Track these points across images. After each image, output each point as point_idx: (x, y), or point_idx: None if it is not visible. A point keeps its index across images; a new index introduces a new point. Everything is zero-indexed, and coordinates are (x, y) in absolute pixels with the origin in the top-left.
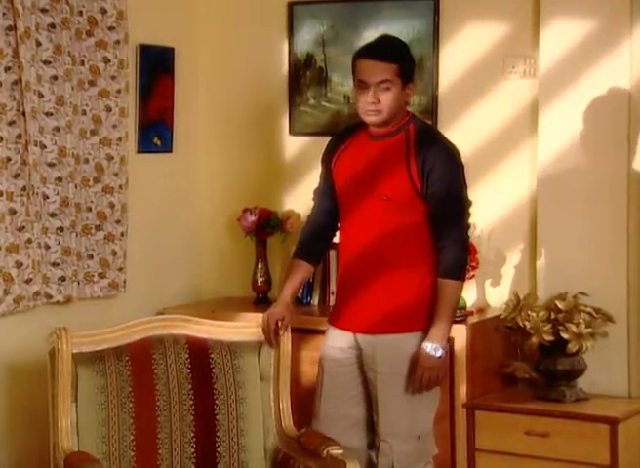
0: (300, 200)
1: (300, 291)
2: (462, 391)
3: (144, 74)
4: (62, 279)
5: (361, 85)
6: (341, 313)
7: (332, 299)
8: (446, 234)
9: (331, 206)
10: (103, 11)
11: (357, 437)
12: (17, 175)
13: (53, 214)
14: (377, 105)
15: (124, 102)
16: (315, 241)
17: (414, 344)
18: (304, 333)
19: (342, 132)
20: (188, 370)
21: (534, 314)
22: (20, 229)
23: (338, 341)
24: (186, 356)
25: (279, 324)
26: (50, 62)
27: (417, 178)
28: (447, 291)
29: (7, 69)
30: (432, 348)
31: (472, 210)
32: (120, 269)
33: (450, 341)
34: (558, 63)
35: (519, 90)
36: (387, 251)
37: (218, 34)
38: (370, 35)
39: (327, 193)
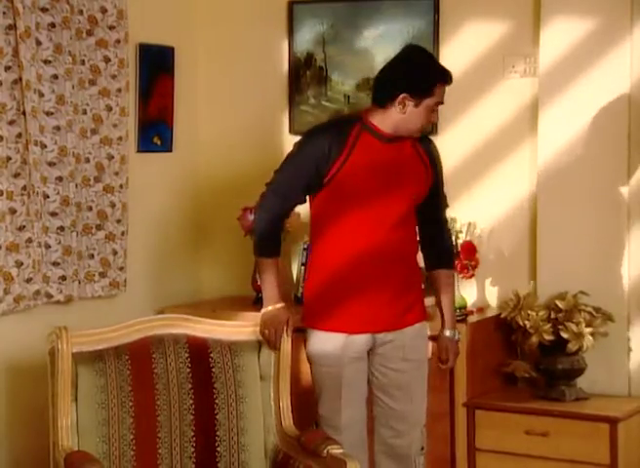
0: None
1: (301, 290)
2: (462, 390)
3: (145, 73)
4: (63, 278)
5: (435, 107)
6: (361, 318)
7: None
8: (442, 226)
9: (301, 202)
10: (104, 10)
11: (367, 436)
12: (17, 175)
13: (53, 214)
14: None
15: (124, 102)
16: (280, 237)
17: (427, 331)
18: (304, 333)
19: (337, 133)
20: (188, 370)
21: (534, 313)
22: (21, 228)
23: (358, 349)
24: (186, 355)
25: (285, 327)
26: (50, 62)
27: (429, 176)
28: (453, 281)
29: (7, 68)
30: (456, 335)
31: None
32: (121, 268)
33: None
34: (558, 62)
35: (519, 89)
36: (406, 246)
37: (218, 34)
38: (370, 34)
39: (305, 190)
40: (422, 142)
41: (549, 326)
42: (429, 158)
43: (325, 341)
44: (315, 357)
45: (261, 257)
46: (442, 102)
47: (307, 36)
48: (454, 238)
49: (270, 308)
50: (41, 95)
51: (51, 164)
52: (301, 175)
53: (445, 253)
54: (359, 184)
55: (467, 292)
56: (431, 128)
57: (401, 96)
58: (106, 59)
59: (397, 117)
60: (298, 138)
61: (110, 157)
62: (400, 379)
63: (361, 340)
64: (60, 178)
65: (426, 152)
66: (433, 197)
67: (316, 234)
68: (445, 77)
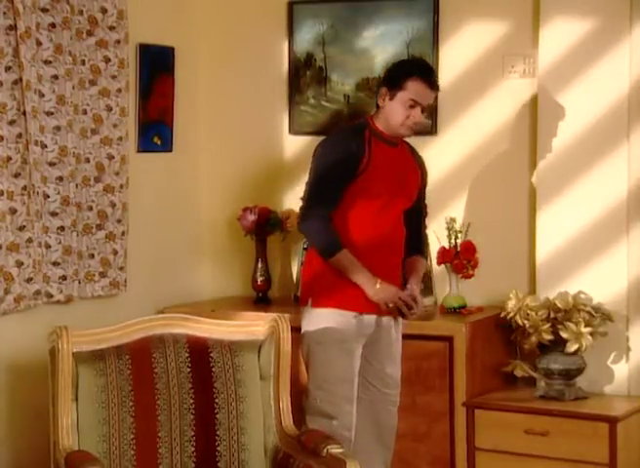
0: (299, 199)
1: (298, 289)
2: (462, 390)
3: (145, 73)
4: (63, 278)
5: (410, 103)
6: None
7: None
8: (422, 221)
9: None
10: (104, 10)
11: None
12: (17, 175)
13: (53, 214)
14: (417, 125)
15: (124, 102)
16: (337, 232)
17: None
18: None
19: (355, 137)
20: (188, 369)
21: (533, 313)
22: (21, 228)
23: (367, 328)
24: (186, 355)
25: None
26: (50, 62)
27: (419, 181)
28: (423, 264)
29: (7, 69)
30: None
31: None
32: (121, 268)
33: (449, 340)
34: (558, 63)
35: (519, 89)
36: (401, 241)
37: (218, 34)
38: (370, 34)
39: (343, 190)
40: (413, 150)
41: (549, 325)
42: (420, 164)
43: (337, 319)
44: (326, 335)
45: (335, 255)
46: (421, 104)
47: (307, 36)
48: (453, 238)
49: (379, 286)
50: (41, 95)
51: (51, 164)
52: (339, 178)
53: (422, 244)
54: (376, 184)
55: (467, 291)
56: (431, 127)
57: (382, 89)
58: (106, 60)
59: (382, 113)
60: (298, 138)
61: (110, 157)
62: (390, 345)
63: (369, 320)
64: (60, 178)
65: (417, 159)
66: (419, 201)
67: None
68: (415, 71)
